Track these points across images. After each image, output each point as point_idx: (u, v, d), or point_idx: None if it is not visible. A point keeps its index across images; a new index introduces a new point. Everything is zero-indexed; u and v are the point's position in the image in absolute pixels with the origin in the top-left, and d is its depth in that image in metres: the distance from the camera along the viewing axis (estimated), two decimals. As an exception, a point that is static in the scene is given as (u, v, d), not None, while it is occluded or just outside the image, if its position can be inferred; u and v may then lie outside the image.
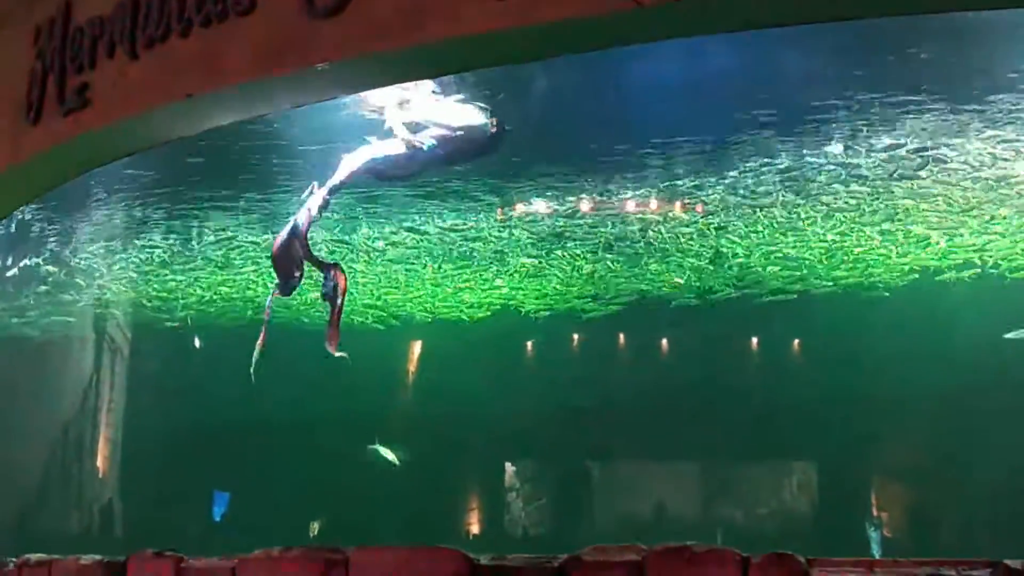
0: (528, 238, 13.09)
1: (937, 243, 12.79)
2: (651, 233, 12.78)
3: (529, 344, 16.41)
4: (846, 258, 13.40)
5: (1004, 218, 11.89)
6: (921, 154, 10.18)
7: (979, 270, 13.19)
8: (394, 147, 8.38)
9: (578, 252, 13.54)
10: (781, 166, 10.58)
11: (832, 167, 10.63)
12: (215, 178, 10.45)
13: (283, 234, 8.44)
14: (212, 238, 12.99)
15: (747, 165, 10.55)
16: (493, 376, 15.51)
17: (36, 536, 13.54)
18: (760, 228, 12.53)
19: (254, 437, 15.40)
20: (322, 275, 8.54)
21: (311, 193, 8.29)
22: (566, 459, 15.95)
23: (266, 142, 8.89)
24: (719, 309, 14.62)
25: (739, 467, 15.24)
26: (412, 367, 17.15)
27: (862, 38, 7.16)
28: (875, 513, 14.30)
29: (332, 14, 5.47)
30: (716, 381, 14.82)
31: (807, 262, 13.59)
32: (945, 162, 10.41)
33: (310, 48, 5.57)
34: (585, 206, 12.02)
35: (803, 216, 12.15)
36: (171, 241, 13.23)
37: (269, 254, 8.35)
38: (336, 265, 8.67)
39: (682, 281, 14.08)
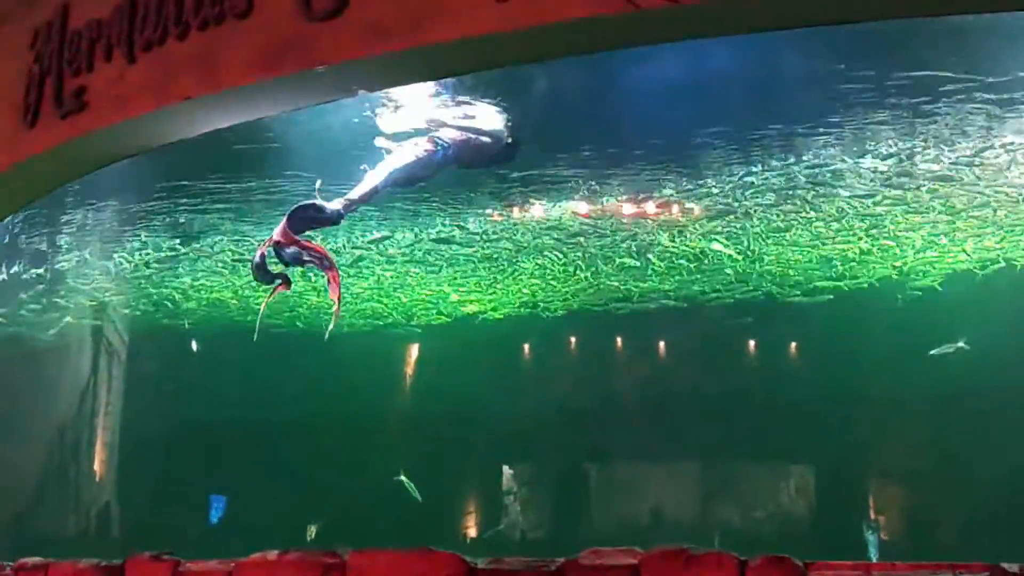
0: (531, 241, 13.12)
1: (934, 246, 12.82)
2: (645, 238, 12.79)
3: (537, 346, 16.44)
4: (842, 262, 13.42)
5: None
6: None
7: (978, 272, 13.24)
8: (413, 152, 8.34)
9: (578, 255, 13.55)
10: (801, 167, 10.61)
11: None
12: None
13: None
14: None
15: (770, 164, 10.60)
16: (500, 378, 15.56)
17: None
18: (756, 232, 12.52)
19: (253, 438, 15.40)
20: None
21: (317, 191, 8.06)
22: (564, 461, 15.96)
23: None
24: (717, 311, 14.65)
25: (737, 469, 15.25)
26: (412, 369, 17.16)
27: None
28: (872, 516, 14.31)
29: (330, 17, 5.47)
30: (714, 383, 14.84)
31: (805, 264, 13.61)
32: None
33: (308, 51, 5.57)
34: (593, 209, 12.02)
35: (792, 221, 12.16)
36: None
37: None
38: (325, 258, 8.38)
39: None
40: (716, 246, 12.81)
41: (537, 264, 13.98)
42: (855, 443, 14.10)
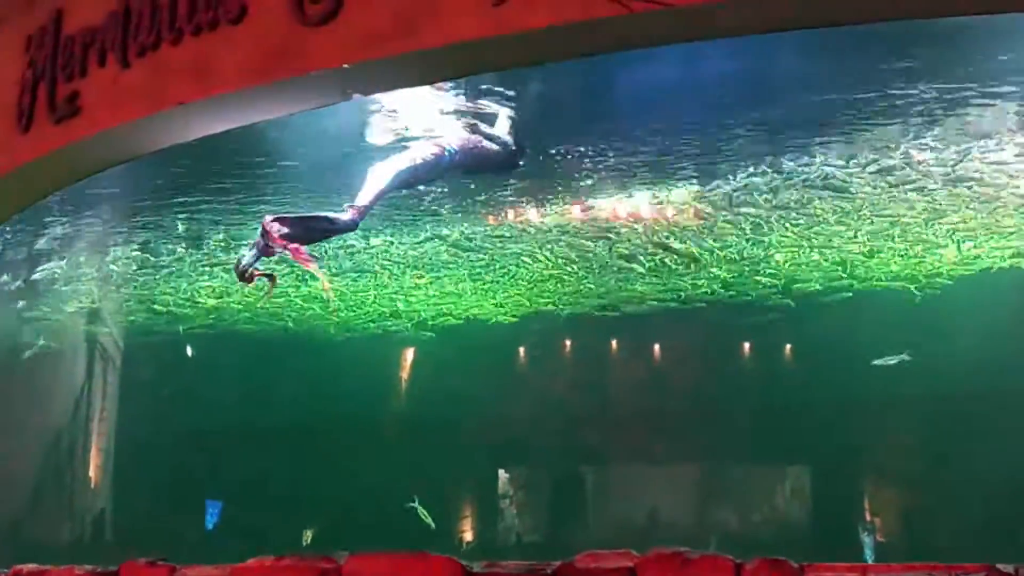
0: (527, 244, 13.13)
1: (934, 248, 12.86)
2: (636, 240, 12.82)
3: (535, 348, 16.45)
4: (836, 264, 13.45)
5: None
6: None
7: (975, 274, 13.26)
8: (420, 154, 8.33)
9: (579, 256, 13.56)
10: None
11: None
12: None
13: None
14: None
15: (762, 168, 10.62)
16: (496, 380, 15.56)
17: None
18: (745, 232, 12.55)
19: (252, 441, 15.40)
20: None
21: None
22: (561, 464, 15.96)
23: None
24: (714, 313, 14.66)
25: (734, 472, 15.25)
26: (407, 373, 17.16)
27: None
28: (868, 517, 14.32)
29: (324, 22, 5.47)
30: (712, 385, 14.85)
31: (802, 267, 13.63)
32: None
33: (301, 56, 5.57)
34: (591, 211, 12.03)
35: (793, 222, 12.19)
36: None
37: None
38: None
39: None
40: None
41: (540, 265, 13.99)
42: (852, 445, 14.09)
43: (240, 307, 15.37)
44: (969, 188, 10.85)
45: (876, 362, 13.49)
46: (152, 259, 13.43)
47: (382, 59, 5.42)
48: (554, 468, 16.04)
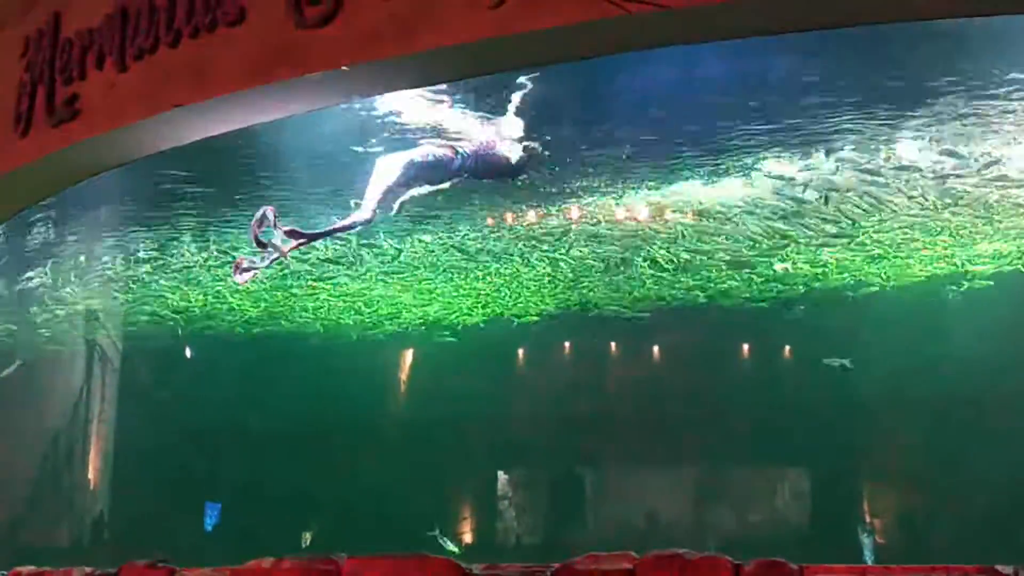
0: (524, 245, 13.12)
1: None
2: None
3: (535, 351, 16.46)
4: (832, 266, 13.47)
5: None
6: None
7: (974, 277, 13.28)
8: (433, 152, 8.33)
9: (580, 258, 13.57)
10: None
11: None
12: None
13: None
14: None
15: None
16: (492, 382, 15.57)
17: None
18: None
19: (252, 444, 15.39)
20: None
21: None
22: (559, 465, 15.96)
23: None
24: (712, 315, 14.67)
25: (733, 473, 15.26)
26: (406, 375, 17.17)
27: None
28: (867, 519, 14.33)
29: (322, 24, 5.47)
30: (711, 387, 14.86)
31: (799, 269, 13.64)
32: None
33: (300, 58, 5.57)
34: (589, 213, 12.03)
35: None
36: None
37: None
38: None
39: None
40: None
41: (542, 266, 14.00)
42: (851, 447, 14.11)
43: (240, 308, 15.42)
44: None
45: (825, 361, 13.86)
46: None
47: (380, 61, 5.42)
48: (554, 469, 16.06)
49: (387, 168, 8.06)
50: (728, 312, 14.57)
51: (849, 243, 12.64)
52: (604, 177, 10.71)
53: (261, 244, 7.69)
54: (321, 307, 15.44)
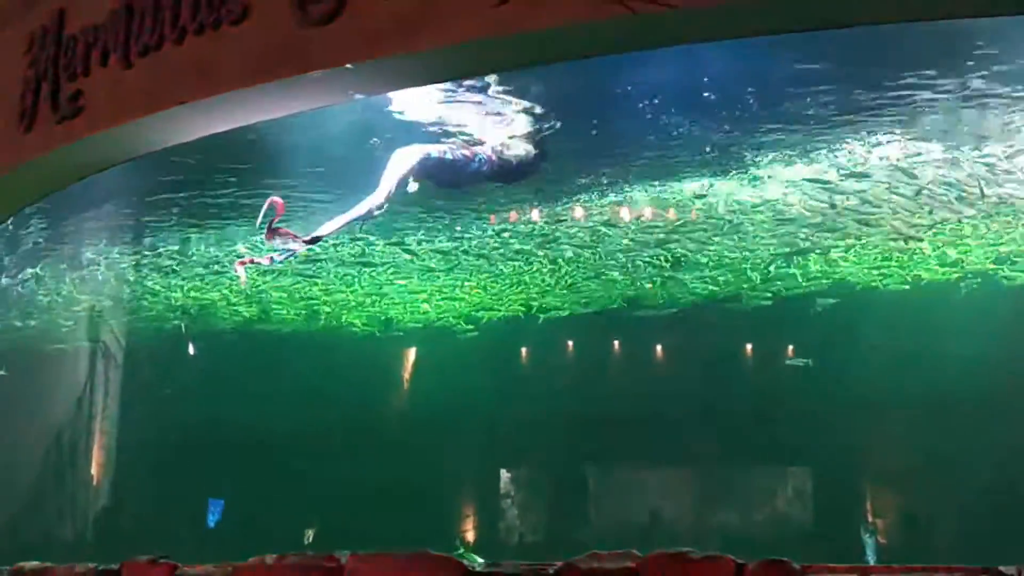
0: (521, 245, 13.12)
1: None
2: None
3: (534, 350, 16.45)
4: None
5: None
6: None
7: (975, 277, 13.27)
8: (451, 150, 8.30)
9: (580, 258, 13.56)
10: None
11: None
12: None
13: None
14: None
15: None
16: (493, 381, 15.56)
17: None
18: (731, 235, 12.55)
19: (253, 444, 15.38)
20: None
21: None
22: (562, 464, 15.95)
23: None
24: (711, 316, 14.67)
25: (736, 473, 15.24)
26: (408, 373, 17.17)
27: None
28: (869, 519, 14.31)
29: (326, 22, 5.47)
30: (711, 387, 14.84)
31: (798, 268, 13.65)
32: None
33: (303, 56, 5.57)
34: (589, 214, 12.03)
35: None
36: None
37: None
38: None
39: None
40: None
41: (544, 266, 13.99)
42: (853, 447, 14.09)
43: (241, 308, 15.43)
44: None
45: (788, 361, 14.27)
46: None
47: (384, 59, 5.42)
48: (557, 468, 16.06)
49: (403, 158, 8.02)
50: (736, 313, 14.59)
51: (854, 244, 12.65)
52: (618, 177, 10.72)
53: (271, 234, 7.61)
54: (326, 305, 15.45)
